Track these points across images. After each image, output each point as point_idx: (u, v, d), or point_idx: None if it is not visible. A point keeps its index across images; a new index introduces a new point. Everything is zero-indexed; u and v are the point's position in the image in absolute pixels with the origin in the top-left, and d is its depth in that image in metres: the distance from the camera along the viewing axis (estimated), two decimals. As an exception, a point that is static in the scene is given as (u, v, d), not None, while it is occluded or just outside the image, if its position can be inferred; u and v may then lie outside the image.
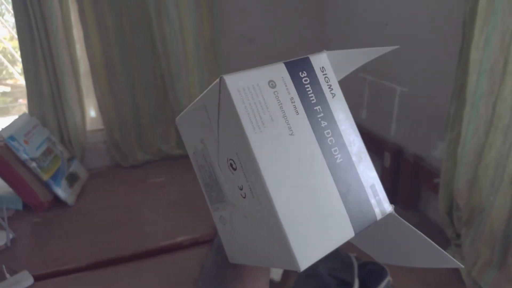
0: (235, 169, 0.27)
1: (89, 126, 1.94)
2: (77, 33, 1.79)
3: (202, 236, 1.40)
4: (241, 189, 0.27)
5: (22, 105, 2.31)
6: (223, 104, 0.26)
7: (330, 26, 1.98)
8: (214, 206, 0.33)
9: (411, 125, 1.49)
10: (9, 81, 2.61)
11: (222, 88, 0.26)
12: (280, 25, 2.00)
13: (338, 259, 0.87)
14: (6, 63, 2.44)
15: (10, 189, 1.61)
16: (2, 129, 1.57)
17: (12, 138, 1.54)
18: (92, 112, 1.99)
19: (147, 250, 1.36)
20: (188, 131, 0.34)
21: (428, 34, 1.34)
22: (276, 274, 1.10)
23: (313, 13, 2.02)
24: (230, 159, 0.28)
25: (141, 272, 1.25)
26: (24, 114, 1.77)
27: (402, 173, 1.48)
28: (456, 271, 1.13)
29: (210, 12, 1.84)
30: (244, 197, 0.28)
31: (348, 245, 0.98)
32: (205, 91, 0.28)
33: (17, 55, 2.30)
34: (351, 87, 1.84)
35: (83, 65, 1.86)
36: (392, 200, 1.17)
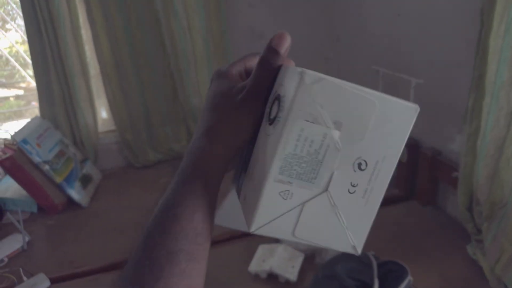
0: (362, 170, 0.30)
1: (100, 128, 1.94)
2: (86, 34, 1.79)
3: (217, 236, 1.39)
4: (354, 186, 0.31)
5: (35, 108, 2.33)
6: (401, 119, 0.30)
7: (340, 18, 1.94)
8: (287, 179, 0.31)
9: (428, 118, 1.44)
10: (22, 84, 2.64)
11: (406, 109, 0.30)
12: (289, 19, 1.97)
13: (356, 259, 0.85)
14: (18, 66, 2.46)
15: (24, 192, 1.62)
16: (15, 132, 1.58)
17: (25, 141, 1.55)
18: (103, 113, 1.99)
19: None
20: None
21: (444, 23, 1.29)
22: (292, 274, 1.08)
23: (323, 6, 1.98)
24: (363, 160, 0.30)
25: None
26: (36, 117, 1.78)
27: (419, 167, 1.44)
28: (478, 268, 1.10)
29: (218, 8, 1.82)
30: (352, 193, 0.31)
31: (368, 244, 0.93)
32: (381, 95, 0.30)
33: (29, 58, 2.32)
34: (364, 81, 1.81)
35: (93, 66, 1.86)
36: (409, 195, 1.15)
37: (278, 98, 0.31)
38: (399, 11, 1.48)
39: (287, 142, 0.29)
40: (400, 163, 1.22)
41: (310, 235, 0.32)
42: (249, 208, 0.32)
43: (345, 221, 0.32)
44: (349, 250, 0.33)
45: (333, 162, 0.30)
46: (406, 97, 1.48)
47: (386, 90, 1.62)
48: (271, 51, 0.32)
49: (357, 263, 0.83)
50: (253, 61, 0.36)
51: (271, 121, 0.31)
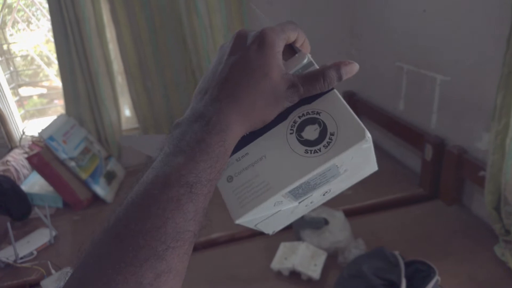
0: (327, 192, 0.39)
1: (124, 125, 1.97)
2: (110, 34, 1.82)
3: (238, 233, 1.39)
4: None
5: (57, 106, 2.38)
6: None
7: (363, 14, 1.92)
8: (288, 195, 0.34)
9: (453, 115, 1.41)
10: (45, 83, 2.70)
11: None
12: (309, 16, 1.96)
13: (383, 258, 0.84)
14: (43, 65, 2.53)
15: (50, 188, 1.66)
16: (42, 130, 1.62)
17: (51, 138, 1.59)
18: (127, 111, 2.02)
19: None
20: None
21: (471, 18, 1.26)
22: (315, 272, 1.08)
23: (344, 1, 1.96)
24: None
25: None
26: (61, 114, 1.82)
27: (445, 166, 1.41)
28: (507, 269, 1.07)
29: (239, 6, 1.82)
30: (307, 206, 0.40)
31: (392, 244, 0.93)
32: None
33: (52, 57, 2.37)
34: (387, 77, 1.78)
35: (117, 65, 1.89)
36: (433, 194, 1.12)
37: (322, 126, 0.33)
38: (425, 7, 1.45)
39: (315, 175, 0.32)
40: (424, 162, 1.21)
41: (272, 227, 0.39)
42: (241, 200, 0.34)
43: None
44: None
45: (321, 190, 0.36)
46: (431, 95, 1.45)
47: (410, 87, 1.60)
48: (338, 77, 0.33)
49: (384, 262, 0.82)
50: (293, 35, 0.35)
51: (304, 142, 0.33)
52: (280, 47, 0.33)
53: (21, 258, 1.36)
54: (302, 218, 1.20)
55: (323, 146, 0.32)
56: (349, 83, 2.01)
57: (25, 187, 1.67)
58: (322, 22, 1.95)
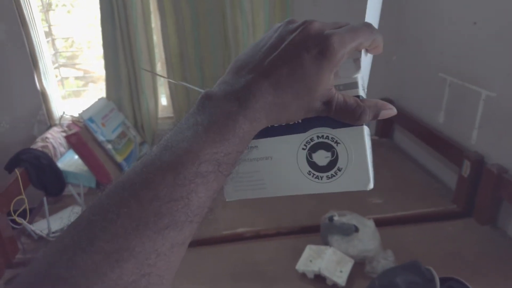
0: None
1: (160, 114, 2.01)
2: (155, 22, 1.86)
3: (264, 230, 1.40)
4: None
5: (92, 90, 2.44)
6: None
7: (409, 19, 1.88)
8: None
9: (496, 133, 1.37)
10: (82, 66, 2.77)
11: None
12: (354, 18, 1.93)
13: (418, 273, 0.82)
14: (85, 48, 2.59)
15: (85, 168, 1.71)
16: (83, 111, 1.67)
17: (91, 120, 1.63)
18: (163, 100, 2.06)
19: (210, 237, 1.38)
20: None
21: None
22: (341, 278, 1.07)
23: (390, 5, 1.92)
24: None
25: (202, 258, 1.28)
26: (102, 98, 1.87)
27: (482, 184, 1.37)
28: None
29: (283, 5, 1.82)
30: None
31: (422, 258, 0.90)
32: None
33: (94, 41, 2.43)
34: (429, 88, 1.74)
35: (159, 54, 1.92)
36: (467, 212, 1.09)
37: (334, 157, 0.32)
38: (476, 19, 1.41)
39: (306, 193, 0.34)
40: (461, 178, 1.18)
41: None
42: (236, 185, 0.36)
43: None
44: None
45: None
46: (473, 109, 1.41)
47: (452, 100, 1.56)
48: (374, 118, 0.32)
49: (419, 277, 0.81)
50: (366, 43, 0.31)
51: (311, 164, 0.33)
52: (342, 59, 0.30)
53: (53, 232, 1.41)
54: (332, 222, 1.20)
55: (326, 176, 0.32)
56: (387, 90, 1.97)
57: (61, 164, 1.72)
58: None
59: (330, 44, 0.29)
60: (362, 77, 0.33)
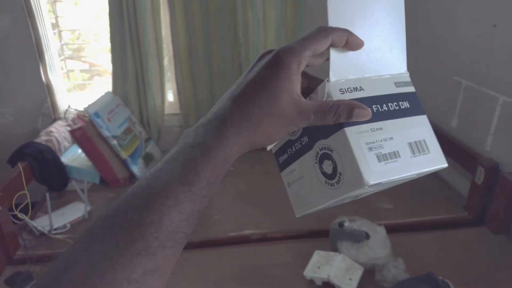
0: None
1: (166, 110, 1.97)
2: (164, 17, 1.82)
3: (270, 232, 1.37)
4: None
5: (98, 83, 2.41)
6: None
7: (423, 20, 1.83)
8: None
9: (513, 140, 1.33)
10: (88, 59, 2.74)
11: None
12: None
13: (435, 286, 0.79)
14: (92, 41, 2.56)
15: (89, 163, 1.68)
16: (89, 105, 1.64)
17: (96, 114, 1.60)
18: (170, 96, 2.02)
19: (216, 238, 1.35)
20: None
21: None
22: (350, 286, 1.04)
23: (405, 6, 1.88)
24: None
25: (207, 260, 1.25)
26: (108, 92, 1.84)
27: (496, 192, 1.33)
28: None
29: (295, 2, 1.78)
30: None
31: (433, 267, 0.86)
32: None
33: (101, 34, 2.40)
34: (443, 91, 1.70)
35: (166, 49, 1.89)
36: (479, 220, 1.05)
37: (334, 164, 0.35)
38: (496, 21, 1.36)
39: (336, 201, 0.36)
40: (474, 185, 1.13)
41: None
42: (296, 203, 0.41)
43: None
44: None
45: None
46: (489, 115, 1.37)
47: (467, 104, 1.52)
48: (348, 116, 0.32)
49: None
50: (323, 47, 0.33)
51: (324, 174, 0.36)
52: (296, 69, 0.32)
53: (55, 229, 1.38)
54: (342, 228, 1.16)
55: (335, 182, 0.35)
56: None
57: (64, 159, 1.70)
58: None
59: (279, 56, 0.32)
60: (342, 82, 0.35)
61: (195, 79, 1.87)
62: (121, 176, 1.65)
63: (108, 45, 1.83)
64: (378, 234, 1.15)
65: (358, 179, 0.33)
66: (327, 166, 0.35)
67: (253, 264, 1.23)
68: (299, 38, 0.33)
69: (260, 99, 0.32)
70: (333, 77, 0.35)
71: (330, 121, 0.33)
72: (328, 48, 0.34)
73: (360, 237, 1.12)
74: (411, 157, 0.34)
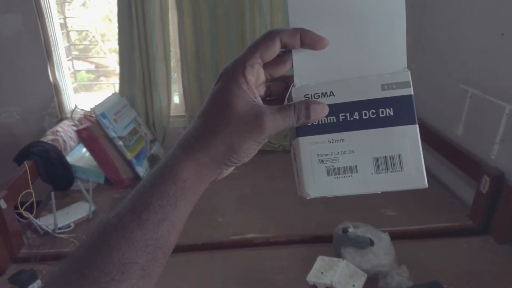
0: None
1: (172, 112, 1.98)
2: (172, 20, 1.83)
3: (274, 237, 1.36)
4: None
5: (103, 83, 2.43)
6: None
7: (429, 27, 1.83)
8: None
9: (519, 149, 1.33)
10: (94, 60, 2.76)
11: None
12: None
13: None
14: (100, 42, 2.58)
15: (94, 163, 1.69)
16: (95, 106, 1.65)
17: (103, 115, 1.61)
18: (176, 98, 2.03)
19: (219, 241, 1.35)
20: None
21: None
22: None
23: (410, 12, 1.88)
24: None
25: (210, 263, 1.25)
26: (115, 93, 1.85)
27: (502, 201, 1.33)
28: None
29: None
30: None
31: (437, 275, 0.85)
32: None
33: (109, 35, 2.42)
34: (448, 99, 1.70)
35: (174, 52, 1.90)
36: (484, 229, 1.04)
37: (295, 167, 0.35)
38: (504, 30, 1.36)
39: None
40: (479, 193, 1.13)
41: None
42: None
43: None
44: None
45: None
46: (495, 123, 1.37)
47: (473, 113, 1.51)
48: (307, 114, 0.32)
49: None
50: (272, 50, 0.32)
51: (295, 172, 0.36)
52: (241, 77, 0.32)
53: (59, 228, 1.39)
54: (346, 234, 1.16)
55: (297, 182, 0.35)
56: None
57: (70, 159, 1.70)
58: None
59: (224, 69, 0.33)
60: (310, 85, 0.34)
61: (202, 83, 1.88)
62: (126, 176, 1.65)
63: (115, 46, 1.84)
64: (382, 241, 1.14)
65: (302, 188, 0.33)
66: (294, 165, 0.35)
67: (256, 268, 1.22)
68: (246, 46, 0.33)
69: (214, 111, 0.32)
70: (298, 81, 0.33)
71: (294, 121, 0.32)
72: (287, 52, 0.33)
73: (364, 244, 1.12)
74: (372, 173, 0.32)
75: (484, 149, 1.46)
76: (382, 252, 1.11)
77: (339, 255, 1.17)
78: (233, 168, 0.35)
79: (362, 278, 1.08)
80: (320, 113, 0.32)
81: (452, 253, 1.28)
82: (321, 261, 1.14)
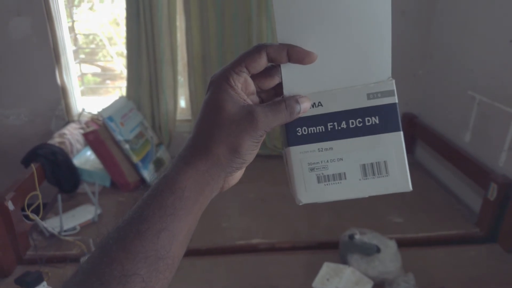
0: None
1: (178, 116, 1.98)
2: (180, 24, 1.84)
3: (279, 242, 1.36)
4: None
5: (109, 87, 2.44)
6: None
7: (437, 34, 1.83)
8: None
9: (527, 157, 1.32)
10: (100, 63, 2.77)
11: None
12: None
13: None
14: (107, 46, 2.60)
15: (100, 166, 1.69)
16: (103, 109, 1.66)
17: (110, 118, 1.62)
18: (182, 102, 2.04)
19: (223, 246, 1.35)
20: None
21: None
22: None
23: (418, 19, 1.87)
24: None
25: (214, 268, 1.24)
26: (122, 96, 1.85)
27: (509, 209, 1.31)
28: None
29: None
30: None
31: (444, 283, 0.85)
32: None
33: (116, 38, 2.43)
34: (456, 105, 1.69)
35: (181, 56, 1.91)
36: (491, 237, 1.04)
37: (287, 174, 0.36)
38: (512, 38, 1.36)
39: None
40: (486, 201, 1.12)
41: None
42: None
43: None
44: None
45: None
46: (503, 131, 1.36)
47: (480, 120, 1.50)
48: (297, 110, 0.33)
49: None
50: (258, 63, 0.33)
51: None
52: (225, 84, 0.33)
53: (65, 230, 1.39)
54: (352, 241, 1.15)
55: (290, 188, 0.37)
56: (411, 105, 1.92)
57: (76, 161, 1.71)
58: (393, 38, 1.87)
59: (210, 79, 0.34)
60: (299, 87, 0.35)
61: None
62: (132, 180, 1.66)
63: (122, 49, 1.85)
64: (389, 248, 1.14)
65: (294, 195, 0.35)
66: (286, 171, 0.36)
67: (260, 273, 1.22)
68: (236, 58, 0.35)
69: (207, 117, 0.33)
70: (287, 93, 0.34)
71: (287, 116, 0.33)
72: (276, 66, 0.34)
73: (370, 251, 1.11)
74: (360, 179, 0.33)
75: (492, 157, 1.45)
76: (389, 259, 1.11)
77: (345, 262, 1.16)
78: (239, 173, 0.36)
79: (368, 285, 1.07)
80: (307, 105, 0.34)
81: (459, 261, 1.27)
82: (327, 268, 1.14)
